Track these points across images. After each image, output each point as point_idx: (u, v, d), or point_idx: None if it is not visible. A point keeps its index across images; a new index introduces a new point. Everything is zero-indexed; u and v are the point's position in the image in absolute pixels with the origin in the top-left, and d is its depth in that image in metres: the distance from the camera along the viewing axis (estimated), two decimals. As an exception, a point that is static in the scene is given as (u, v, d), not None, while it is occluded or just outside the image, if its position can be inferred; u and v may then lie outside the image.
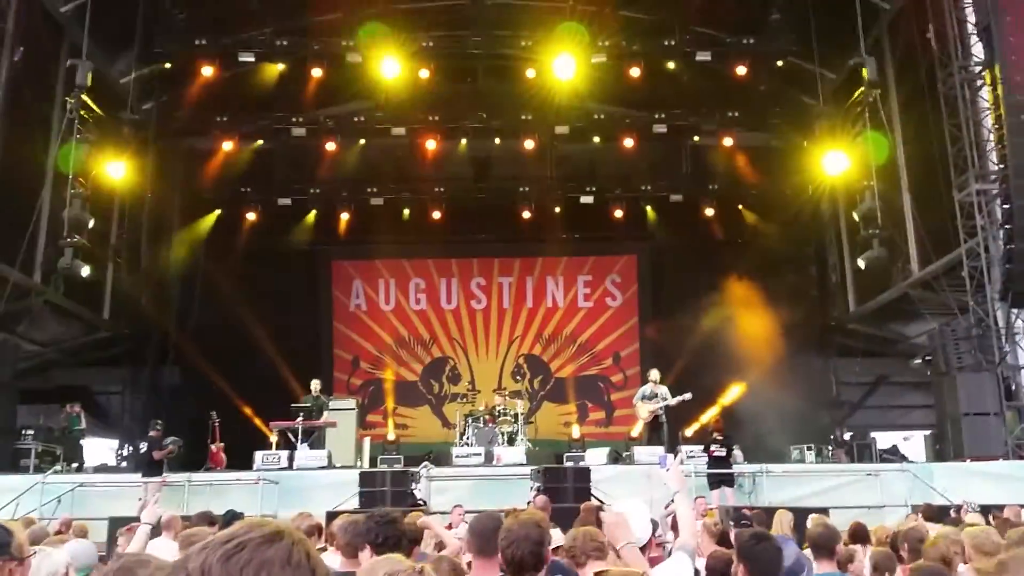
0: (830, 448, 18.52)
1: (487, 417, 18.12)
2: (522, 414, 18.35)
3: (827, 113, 21.14)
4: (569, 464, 15.17)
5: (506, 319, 24.75)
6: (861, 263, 18.61)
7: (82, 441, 18.79)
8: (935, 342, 17.23)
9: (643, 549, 3.87)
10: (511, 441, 17.24)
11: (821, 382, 23.01)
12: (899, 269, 19.18)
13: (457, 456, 16.14)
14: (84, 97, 17.22)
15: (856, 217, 18.76)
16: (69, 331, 20.62)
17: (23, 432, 16.74)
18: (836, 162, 19.31)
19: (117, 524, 10.35)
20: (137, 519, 11.11)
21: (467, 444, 17.14)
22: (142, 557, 2.03)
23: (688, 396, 16.06)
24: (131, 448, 21.12)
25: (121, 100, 20.46)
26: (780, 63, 20.97)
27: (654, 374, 16.66)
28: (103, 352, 21.94)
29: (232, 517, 7.11)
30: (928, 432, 19.26)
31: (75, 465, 16.88)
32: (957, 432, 15.77)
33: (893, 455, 18.48)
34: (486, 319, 24.74)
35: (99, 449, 21.39)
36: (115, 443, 22.17)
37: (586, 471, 13.79)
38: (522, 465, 15.13)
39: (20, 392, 17.77)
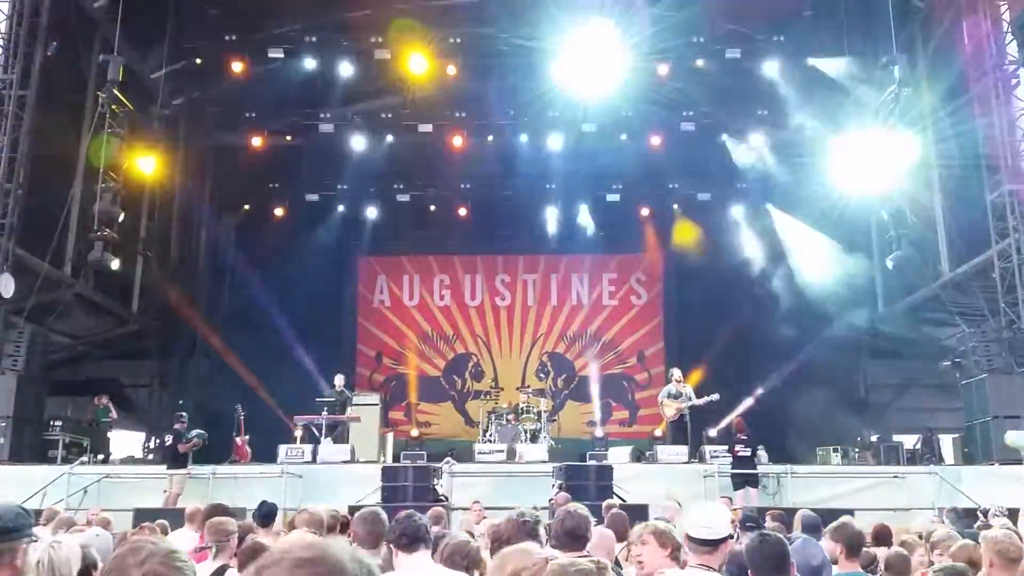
0: (856, 450, 18.31)
1: (511, 415, 18.10)
2: (545, 412, 18.30)
3: (857, 111, 20.85)
4: (591, 462, 15.09)
5: (530, 316, 24.72)
6: (890, 263, 18.37)
7: (109, 433, 18.95)
8: (965, 344, 17.01)
9: (719, 544, 3.84)
10: (534, 439, 17.20)
11: (849, 383, 22.78)
12: (929, 270, 18.93)
13: (479, 453, 16.09)
14: (115, 92, 17.33)
15: (885, 216, 18.53)
16: (98, 324, 20.84)
17: (51, 423, 16.93)
18: (864, 160, 19.05)
19: (142, 516, 10.46)
20: (160, 511, 11.29)
21: (490, 441, 17.11)
22: (137, 544, 2.02)
23: (716, 396, 15.99)
24: (158, 440, 21.32)
25: (152, 95, 20.66)
26: (810, 61, 20.77)
27: (676, 373, 16.57)
28: (132, 345, 22.17)
29: (268, 511, 7.05)
30: (956, 435, 19.00)
31: (101, 457, 17.04)
32: (986, 435, 15.57)
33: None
34: (510, 316, 24.73)
35: (126, 441, 21.59)
36: (142, 435, 22.39)
37: (608, 469, 13.72)
38: (544, 463, 15.09)
39: (49, 383, 17.97)
